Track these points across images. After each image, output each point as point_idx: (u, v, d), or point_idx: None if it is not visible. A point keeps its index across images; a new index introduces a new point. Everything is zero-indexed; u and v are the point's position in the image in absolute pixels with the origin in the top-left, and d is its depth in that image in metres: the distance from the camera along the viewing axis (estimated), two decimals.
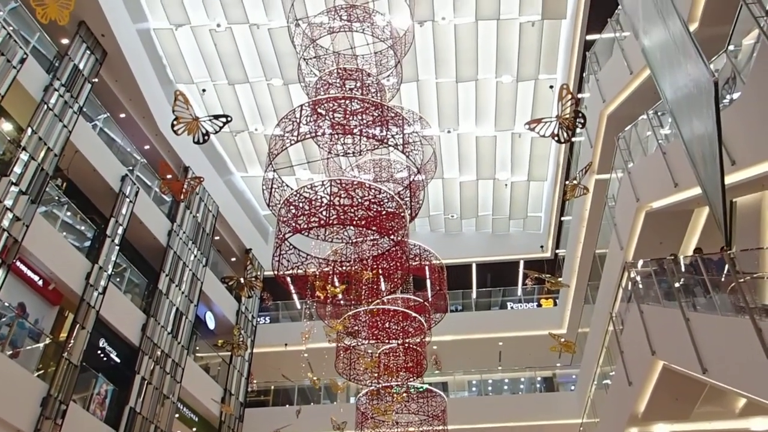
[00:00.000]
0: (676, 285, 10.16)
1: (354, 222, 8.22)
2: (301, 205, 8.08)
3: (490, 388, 25.82)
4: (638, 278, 12.55)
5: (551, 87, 20.05)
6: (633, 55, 12.99)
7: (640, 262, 12.78)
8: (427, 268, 13.88)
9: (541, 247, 25.70)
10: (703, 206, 11.13)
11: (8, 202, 12.36)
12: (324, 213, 7.85)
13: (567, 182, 11.70)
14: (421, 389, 16.37)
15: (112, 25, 15.62)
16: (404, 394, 15.60)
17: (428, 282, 17.83)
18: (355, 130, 8.16)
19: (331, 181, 7.94)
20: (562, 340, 15.65)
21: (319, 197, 7.94)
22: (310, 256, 9.06)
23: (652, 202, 12.18)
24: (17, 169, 12.80)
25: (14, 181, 12.62)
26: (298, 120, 7.99)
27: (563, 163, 21.98)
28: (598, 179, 16.57)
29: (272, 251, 8.81)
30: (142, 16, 18.60)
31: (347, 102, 8.44)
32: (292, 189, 8.16)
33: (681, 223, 12.40)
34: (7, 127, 13.93)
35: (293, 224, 8.06)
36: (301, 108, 8.22)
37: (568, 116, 8.66)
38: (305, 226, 8.04)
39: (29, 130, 13.23)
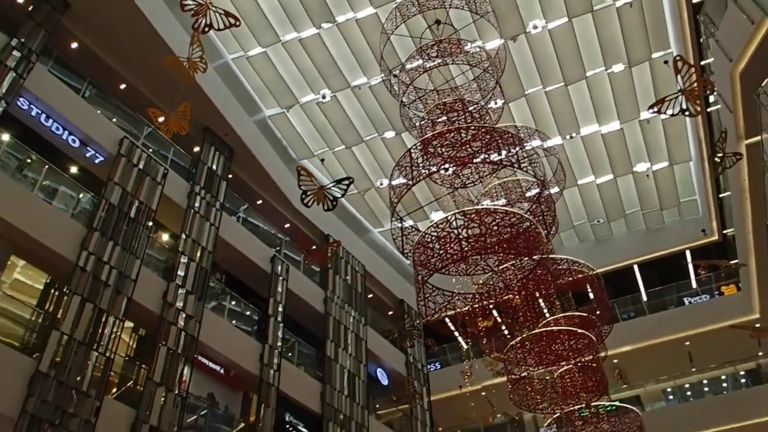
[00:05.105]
0: None
1: (490, 249, 8.07)
2: (432, 245, 8.09)
3: (689, 393, 23.74)
4: None
5: (666, 62, 18.75)
6: (749, 3, 11.88)
7: None
8: (581, 280, 13.18)
9: (703, 231, 23.57)
10: None
11: (179, 304, 13.58)
12: (456, 247, 7.79)
13: (714, 158, 10.75)
14: (609, 409, 15.22)
15: (233, 124, 17.01)
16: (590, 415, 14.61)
17: (590, 294, 16.91)
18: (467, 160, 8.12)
19: (455, 214, 7.91)
20: (757, 325, 14.11)
21: (448, 233, 7.92)
22: (455, 294, 9.00)
23: None
24: (180, 272, 14.09)
25: (180, 284, 13.88)
26: (410, 164, 8.11)
27: (705, 138, 20.28)
28: (748, 144, 15.06)
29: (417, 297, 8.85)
30: (256, 108, 20.12)
31: (456, 134, 8.44)
32: (420, 231, 8.21)
33: None
34: (165, 236, 15.46)
35: (428, 265, 8.07)
36: (409, 152, 8.34)
37: (692, 87, 8.05)
38: (440, 265, 8.02)
39: (183, 235, 14.56)
